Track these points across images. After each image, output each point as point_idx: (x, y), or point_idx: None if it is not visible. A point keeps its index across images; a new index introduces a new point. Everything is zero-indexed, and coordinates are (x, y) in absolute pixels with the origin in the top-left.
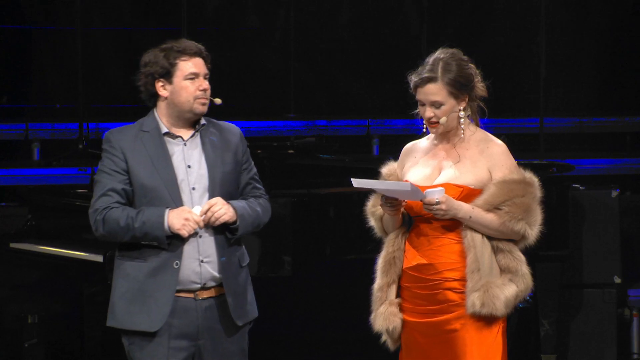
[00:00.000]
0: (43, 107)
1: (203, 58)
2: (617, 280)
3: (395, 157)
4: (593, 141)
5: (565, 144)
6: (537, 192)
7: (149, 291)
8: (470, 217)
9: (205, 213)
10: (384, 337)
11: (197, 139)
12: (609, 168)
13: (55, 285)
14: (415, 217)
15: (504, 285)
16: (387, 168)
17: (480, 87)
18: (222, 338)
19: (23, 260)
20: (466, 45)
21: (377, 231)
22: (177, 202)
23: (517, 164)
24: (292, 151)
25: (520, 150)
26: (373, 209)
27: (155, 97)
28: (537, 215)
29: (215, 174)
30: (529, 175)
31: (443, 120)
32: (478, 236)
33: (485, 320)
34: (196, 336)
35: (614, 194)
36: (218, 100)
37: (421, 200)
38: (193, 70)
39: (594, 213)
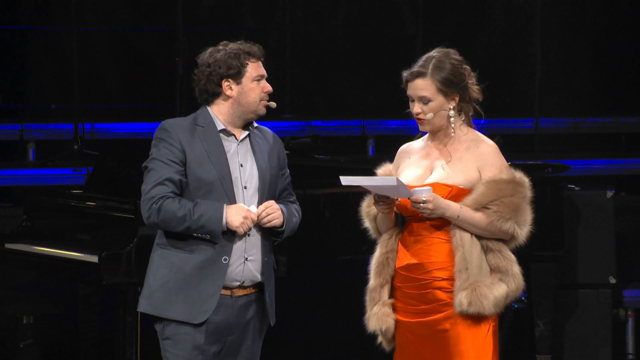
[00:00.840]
0: (38, 108)
1: (263, 62)
2: (612, 280)
3: (391, 158)
4: (588, 142)
5: (561, 145)
6: (527, 192)
7: (194, 283)
8: (458, 216)
9: (261, 213)
10: (379, 339)
11: (247, 140)
12: (604, 169)
13: (51, 285)
14: (408, 217)
15: (493, 284)
16: (383, 169)
17: (474, 90)
18: (252, 336)
19: (18, 261)
20: (461, 45)
21: (372, 232)
22: (230, 199)
23: (512, 164)
24: (287, 152)
25: (515, 150)
26: (368, 209)
27: (214, 95)
28: (527, 215)
29: (265, 175)
30: (519, 175)
31: (429, 116)
32: (467, 235)
33: (475, 319)
34: (227, 332)
35: (609, 194)
36: (273, 104)
37: (409, 199)
38: (260, 72)
39: (589, 213)
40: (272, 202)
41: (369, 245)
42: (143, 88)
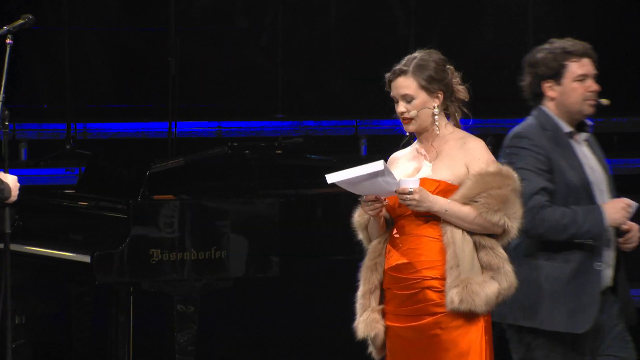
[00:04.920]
0: (30, 108)
1: (591, 58)
2: None
3: (383, 157)
4: None
5: None
6: (516, 185)
7: (572, 293)
8: (447, 210)
9: None
10: (370, 349)
11: (583, 140)
12: None
13: (43, 285)
14: (397, 217)
15: (485, 282)
16: None
17: (459, 90)
18: (619, 335)
19: (10, 261)
20: (453, 46)
21: (365, 242)
22: (593, 203)
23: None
24: (280, 151)
25: None
26: (359, 219)
27: (539, 96)
28: (517, 208)
29: (609, 176)
30: (505, 168)
31: (413, 113)
32: (458, 232)
33: (466, 318)
34: (597, 335)
35: None
36: (605, 101)
37: (395, 192)
38: (582, 72)
39: None
40: None
41: (362, 246)
42: (135, 88)
